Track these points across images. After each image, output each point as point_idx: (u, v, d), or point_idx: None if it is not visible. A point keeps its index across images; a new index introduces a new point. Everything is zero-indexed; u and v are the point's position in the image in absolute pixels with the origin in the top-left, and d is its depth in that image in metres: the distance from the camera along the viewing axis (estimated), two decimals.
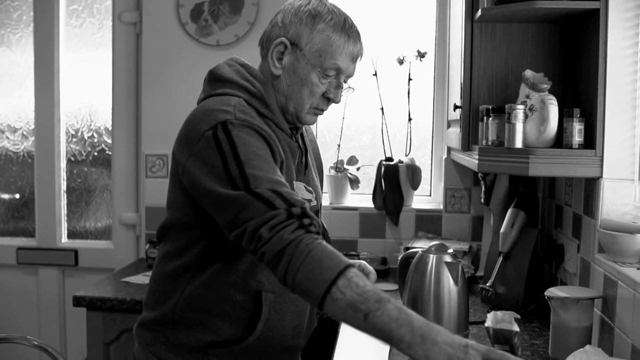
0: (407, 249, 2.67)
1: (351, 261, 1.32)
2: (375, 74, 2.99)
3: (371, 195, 3.04)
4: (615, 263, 1.69)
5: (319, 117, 1.63)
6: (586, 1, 1.79)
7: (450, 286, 1.91)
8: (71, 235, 3.41)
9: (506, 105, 1.85)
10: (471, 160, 2.08)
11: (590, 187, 1.88)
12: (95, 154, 3.37)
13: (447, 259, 1.93)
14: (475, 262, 2.82)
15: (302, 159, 1.64)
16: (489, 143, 1.94)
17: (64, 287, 3.35)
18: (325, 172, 3.03)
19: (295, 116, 1.57)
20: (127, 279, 2.80)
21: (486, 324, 1.78)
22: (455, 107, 2.27)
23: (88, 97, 3.36)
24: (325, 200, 3.04)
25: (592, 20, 1.81)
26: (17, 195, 3.46)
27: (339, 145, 3.12)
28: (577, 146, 1.80)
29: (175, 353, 1.56)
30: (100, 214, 3.40)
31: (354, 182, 3.09)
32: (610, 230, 1.69)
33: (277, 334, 1.57)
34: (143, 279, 2.79)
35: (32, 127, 3.37)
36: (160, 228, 1.61)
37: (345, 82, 1.60)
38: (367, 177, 3.15)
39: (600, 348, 1.65)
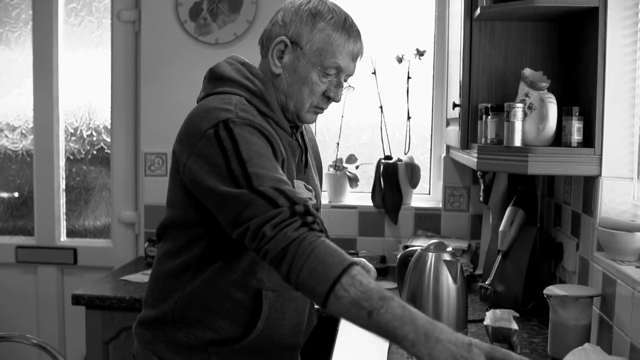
0: (406, 247, 2.67)
1: (354, 259, 1.32)
2: (374, 73, 2.99)
3: (370, 194, 3.04)
4: (614, 261, 1.69)
5: (319, 115, 1.63)
6: None
7: (449, 284, 1.91)
8: (70, 233, 3.40)
9: (505, 104, 1.85)
10: (470, 159, 2.08)
11: (589, 185, 1.88)
12: (94, 152, 3.37)
13: (446, 257, 1.93)
14: (474, 261, 2.82)
15: (302, 157, 1.64)
16: (488, 141, 1.94)
17: (63, 286, 3.35)
18: (325, 170, 3.03)
19: (295, 115, 1.57)
20: (126, 278, 2.79)
21: (485, 322, 1.78)
22: (454, 105, 2.27)
23: (87, 95, 3.35)
24: (324, 199, 3.04)
25: (591, 19, 1.81)
26: (16, 194, 3.45)
27: (338, 144, 3.12)
28: (576, 144, 1.80)
29: (175, 351, 1.56)
30: (99, 213, 3.40)
31: (353, 180, 3.10)
32: (609, 228, 1.70)
33: (277, 332, 1.58)
34: (142, 277, 2.79)
35: (31, 125, 3.37)
36: (160, 226, 1.61)
37: (345, 81, 1.60)
38: (366, 176, 3.15)
39: (599, 346, 1.65)
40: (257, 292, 1.54)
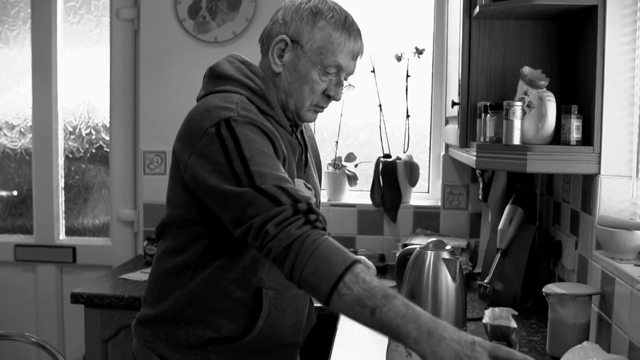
0: (405, 245, 2.67)
1: (357, 257, 1.32)
2: (373, 71, 2.99)
3: (369, 192, 3.05)
4: (612, 259, 1.69)
5: (318, 114, 1.63)
6: None
7: (448, 283, 1.91)
8: (69, 232, 3.40)
9: (504, 102, 1.85)
10: (469, 157, 2.08)
11: (588, 183, 1.88)
12: (93, 150, 3.37)
13: (445, 255, 1.93)
14: (473, 259, 2.82)
15: (302, 156, 1.64)
16: (487, 140, 1.94)
17: (62, 284, 3.35)
18: (324, 168, 3.03)
19: (295, 113, 1.57)
20: (125, 276, 2.79)
21: (484, 321, 1.78)
22: (453, 103, 2.27)
23: (86, 94, 3.35)
24: (323, 197, 3.04)
25: (590, 17, 1.81)
26: (15, 192, 3.45)
27: (337, 142, 3.12)
28: (574, 143, 1.81)
29: (175, 350, 1.56)
30: (98, 211, 3.39)
31: (352, 178, 3.10)
32: (607, 226, 1.70)
33: (276, 330, 1.58)
34: (141, 275, 2.79)
35: (30, 124, 3.36)
36: (160, 225, 1.61)
37: (345, 79, 1.60)
38: (365, 174, 3.16)
39: (598, 344, 1.65)
40: (257, 290, 1.54)
